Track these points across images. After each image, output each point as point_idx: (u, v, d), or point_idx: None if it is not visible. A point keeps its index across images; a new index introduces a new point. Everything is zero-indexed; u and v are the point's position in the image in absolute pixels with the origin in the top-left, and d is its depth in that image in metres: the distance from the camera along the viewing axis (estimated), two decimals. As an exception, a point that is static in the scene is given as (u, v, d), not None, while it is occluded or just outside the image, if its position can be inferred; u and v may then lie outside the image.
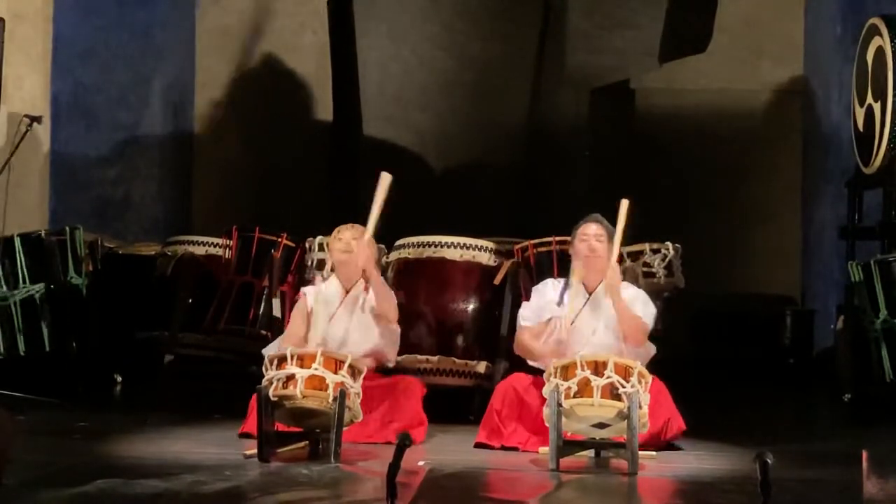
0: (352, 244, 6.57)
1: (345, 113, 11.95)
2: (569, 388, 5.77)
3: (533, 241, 7.62)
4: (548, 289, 6.50)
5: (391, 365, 6.79)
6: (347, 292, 6.62)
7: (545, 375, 5.97)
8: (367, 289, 6.66)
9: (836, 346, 9.31)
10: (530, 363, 6.51)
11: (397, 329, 6.69)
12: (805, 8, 11.70)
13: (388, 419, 6.39)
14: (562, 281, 6.52)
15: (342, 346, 6.42)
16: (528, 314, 6.48)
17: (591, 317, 6.37)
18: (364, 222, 6.74)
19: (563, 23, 11.97)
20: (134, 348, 9.12)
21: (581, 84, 12.02)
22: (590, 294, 6.42)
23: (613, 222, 6.45)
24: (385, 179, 6.60)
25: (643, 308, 6.40)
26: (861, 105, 9.74)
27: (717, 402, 9.00)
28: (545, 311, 6.42)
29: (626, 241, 6.54)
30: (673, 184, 11.58)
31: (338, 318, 6.57)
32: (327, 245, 6.83)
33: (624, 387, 5.74)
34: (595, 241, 6.38)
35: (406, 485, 5.10)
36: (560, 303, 6.40)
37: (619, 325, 6.31)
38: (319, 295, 6.62)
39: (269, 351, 6.47)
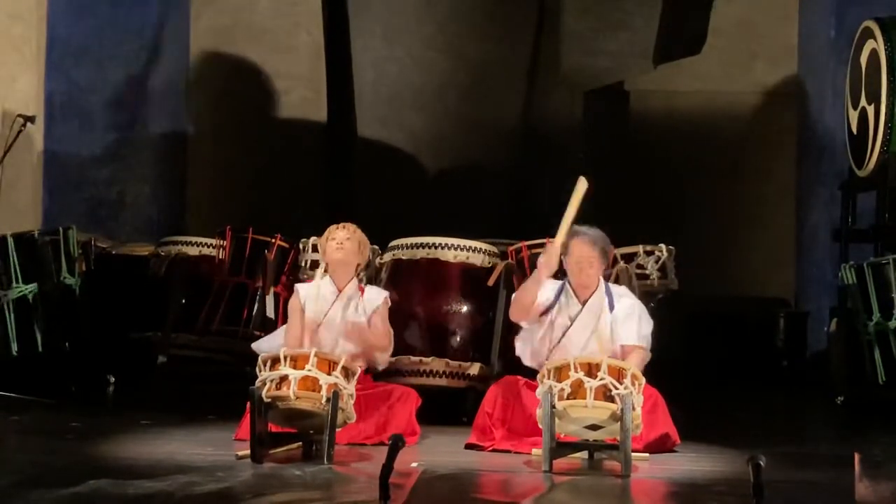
0: (345, 244, 6.59)
1: (339, 114, 11.95)
2: (562, 389, 5.77)
3: (527, 243, 7.62)
4: (545, 288, 6.49)
5: (381, 368, 6.80)
6: (341, 291, 6.62)
7: (538, 377, 5.98)
8: (361, 289, 6.66)
9: (829, 349, 9.32)
10: (525, 363, 6.50)
11: (391, 334, 6.71)
12: (799, 10, 11.71)
13: (382, 427, 6.39)
14: (558, 283, 6.51)
15: (335, 347, 6.42)
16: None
17: (584, 328, 6.36)
18: (359, 223, 6.75)
19: (558, 24, 11.98)
20: (127, 349, 9.11)
21: (575, 86, 12.03)
22: (583, 305, 6.41)
23: (605, 227, 6.47)
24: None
25: (638, 325, 6.37)
26: (855, 108, 9.76)
27: (710, 404, 9.02)
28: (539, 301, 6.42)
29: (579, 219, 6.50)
30: (667, 186, 11.59)
31: (330, 318, 6.57)
32: (321, 246, 6.82)
33: (617, 388, 5.74)
34: (587, 265, 6.37)
35: (399, 486, 5.10)
36: (555, 302, 6.40)
37: (611, 343, 6.30)
38: (311, 293, 6.61)
39: (260, 346, 6.48)
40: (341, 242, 6.61)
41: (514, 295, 6.52)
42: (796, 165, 11.69)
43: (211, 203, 11.70)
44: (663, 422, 6.26)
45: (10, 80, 9.65)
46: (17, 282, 8.20)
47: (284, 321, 7.17)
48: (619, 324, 6.35)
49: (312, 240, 7.88)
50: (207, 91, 11.96)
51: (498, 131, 12.04)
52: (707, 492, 5.41)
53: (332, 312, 6.58)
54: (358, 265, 6.73)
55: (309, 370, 5.87)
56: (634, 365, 6.10)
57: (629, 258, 7.72)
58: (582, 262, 6.36)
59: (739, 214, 11.70)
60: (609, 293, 6.45)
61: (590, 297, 6.41)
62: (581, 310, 6.39)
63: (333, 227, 6.70)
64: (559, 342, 6.37)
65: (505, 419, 6.29)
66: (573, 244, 6.41)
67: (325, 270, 6.73)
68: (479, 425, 6.35)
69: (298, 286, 6.76)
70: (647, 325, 6.42)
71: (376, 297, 6.70)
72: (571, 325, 6.37)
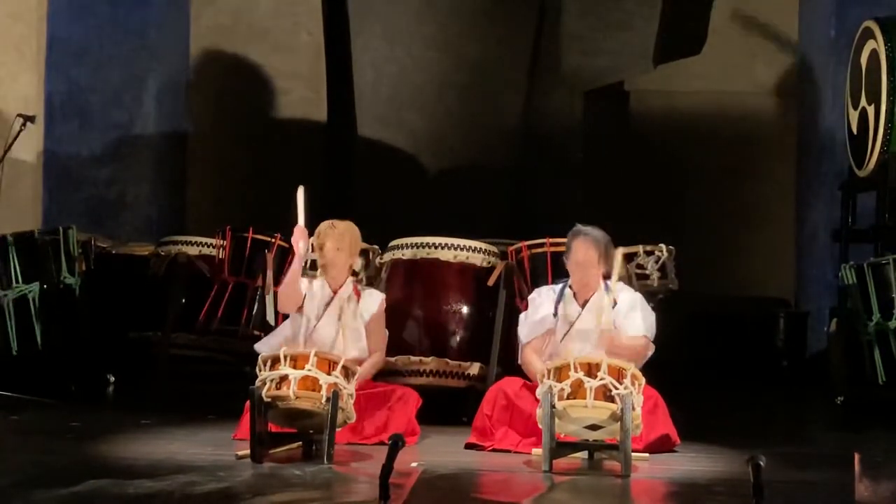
0: (336, 254, 6.54)
1: (339, 113, 11.95)
2: (562, 389, 5.77)
3: (527, 243, 7.61)
4: (543, 299, 6.48)
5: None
6: (335, 293, 6.60)
7: (538, 377, 5.98)
8: (357, 292, 6.64)
9: (829, 349, 9.32)
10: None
11: (385, 338, 6.71)
12: (799, 11, 11.71)
13: (382, 427, 6.38)
14: (556, 288, 6.51)
15: (332, 349, 6.41)
16: (527, 331, 6.47)
17: (584, 329, 6.36)
18: (359, 223, 6.75)
19: (558, 24, 11.98)
20: (127, 348, 9.11)
21: (575, 86, 12.03)
22: (583, 306, 6.41)
23: (605, 227, 6.47)
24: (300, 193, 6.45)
25: (642, 316, 6.38)
26: (855, 108, 9.76)
27: (710, 405, 9.02)
28: (543, 325, 6.42)
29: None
30: (667, 186, 11.59)
31: (326, 321, 6.55)
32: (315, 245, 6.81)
33: (617, 388, 5.74)
34: (588, 265, 6.36)
35: (399, 486, 5.10)
36: (556, 314, 6.40)
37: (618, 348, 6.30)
38: (309, 290, 6.60)
39: (261, 347, 6.47)
40: (331, 250, 6.56)
41: (527, 357, 6.44)
42: (796, 165, 11.68)
43: (211, 203, 11.70)
44: (663, 422, 6.26)
45: (10, 80, 9.67)
46: (17, 281, 8.20)
47: (284, 321, 7.16)
48: (623, 317, 6.36)
49: (312, 240, 7.87)
50: (207, 91, 11.96)
51: (498, 131, 12.03)
52: (707, 492, 5.41)
53: (328, 314, 6.56)
54: (351, 265, 6.71)
55: (309, 370, 5.87)
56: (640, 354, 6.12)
57: (629, 258, 7.71)
58: (583, 263, 6.36)
59: (739, 214, 11.70)
60: (609, 291, 6.44)
61: (590, 297, 6.41)
62: (581, 312, 6.39)
63: (323, 228, 6.60)
64: (558, 346, 6.37)
65: (504, 420, 6.29)
66: (575, 244, 6.41)
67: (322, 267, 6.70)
68: (478, 427, 6.35)
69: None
70: (650, 315, 6.44)
71: (373, 301, 6.67)
72: (570, 328, 6.37)
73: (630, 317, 6.38)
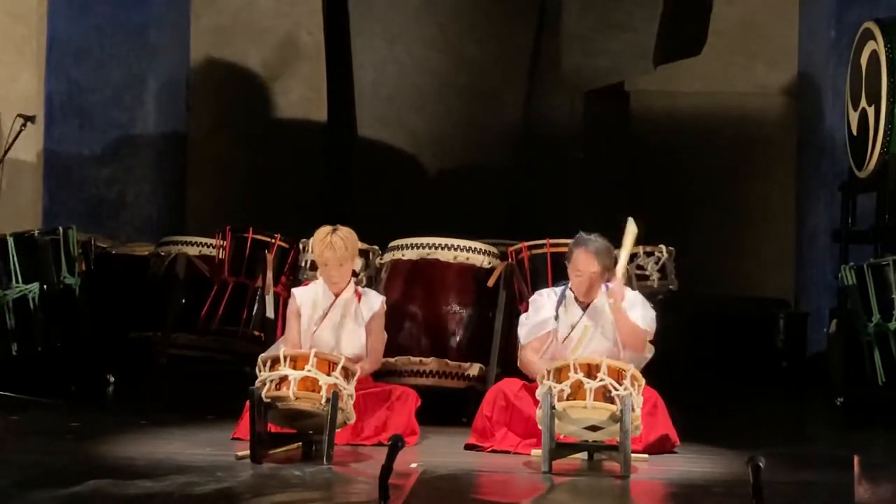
0: (338, 269, 6.52)
1: (339, 113, 11.94)
2: (562, 390, 5.78)
3: (527, 244, 7.62)
4: (544, 301, 6.48)
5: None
6: (337, 296, 6.60)
7: (538, 378, 5.98)
8: (357, 294, 6.63)
9: (829, 350, 9.33)
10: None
11: (384, 341, 6.72)
12: (799, 11, 11.71)
13: (381, 427, 6.38)
14: (557, 291, 6.51)
15: (332, 350, 6.41)
16: (526, 332, 6.46)
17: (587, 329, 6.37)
18: (359, 223, 6.75)
19: (558, 25, 11.97)
20: (127, 349, 9.11)
21: (575, 86, 12.02)
22: (585, 308, 6.41)
23: (607, 231, 6.47)
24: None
25: (642, 312, 6.40)
26: (855, 109, 9.76)
27: (709, 405, 9.02)
28: (543, 327, 6.42)
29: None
30: (667, 186, 11.59)
31: (327, 323, 6.54)
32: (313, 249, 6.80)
33: (617, 390, 5.75)
34: (589, 277, 6.36)
35: (398, 486, 5.10)
36: (557, 317, 6.39)
37: (619, 336, 6.30)
38: (308, 297, 6.60)
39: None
40: (335, 268, 6.55)
41: (527, 358, 6.43)
42: (796, 166, 11.68)
43: (211, 203, 11.70)
44: (663, 423, 6.27)
45: (10, 80, 9.67)
46: (17, 281, 8.20)
47: (284, 322, 7.16)
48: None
49: (313, 240, 7.86)
50: (207, 91, 11.96)
51: (498, 131, 12.03)
52: (706, 493, 5.42)
53: (328, 317, 6.56)
54: (353, 270, 6.70)
55: (308, 370, 5.87)
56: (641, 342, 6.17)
57: (629, 259, 7.71)
58: (583, 275, 6.36)
59: (739, 215, 11.69)
60: (609, 293, 6.45)
61: (591, 302, 6.41)
62: (582, 315, 6.39)
63: (321, 247, 6.53)
64: (559, 348, 6.38)
65: (504, 421, 6.29)
66: (577, 254, 6.39)
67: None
68: (477, 427, 6.35)
69: (295, 291, 6.73)
70: (650, 311, 6.45)
71: (373, 302, 6.66)
72: (571, 332, 6.36)
73: (632, 312, 6.38)
